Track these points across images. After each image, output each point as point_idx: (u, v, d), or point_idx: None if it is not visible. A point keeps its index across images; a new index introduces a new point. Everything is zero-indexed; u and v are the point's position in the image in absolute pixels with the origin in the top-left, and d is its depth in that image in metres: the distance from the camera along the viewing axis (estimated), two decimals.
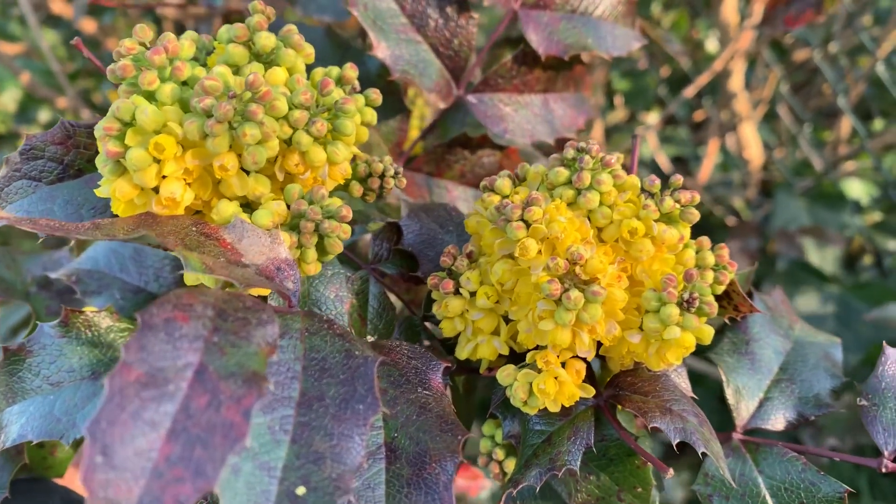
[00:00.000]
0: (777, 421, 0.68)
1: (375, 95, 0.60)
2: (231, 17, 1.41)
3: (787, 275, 1.80)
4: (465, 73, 0.81)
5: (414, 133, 1.07)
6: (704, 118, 2.39)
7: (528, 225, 0.55)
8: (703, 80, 1.92)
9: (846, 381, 0.69)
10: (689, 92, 1.97)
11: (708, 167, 2.07)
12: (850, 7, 1.72)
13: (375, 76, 0.81)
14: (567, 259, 0.53)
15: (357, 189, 0.64)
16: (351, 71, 0.59)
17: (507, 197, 0.61)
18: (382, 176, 0.64)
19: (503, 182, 0.61)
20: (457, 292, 0.61)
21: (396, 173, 0.64)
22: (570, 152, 0.59)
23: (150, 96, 0.52)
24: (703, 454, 0.53)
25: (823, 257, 1.85)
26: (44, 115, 2.62)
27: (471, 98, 0.82)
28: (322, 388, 0.44)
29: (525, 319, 0.57)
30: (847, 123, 2.06)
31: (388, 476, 0.51)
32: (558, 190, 0.59)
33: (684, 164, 2.41)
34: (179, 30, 1.81)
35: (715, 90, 2.09)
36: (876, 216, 2.18)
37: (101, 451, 0.34)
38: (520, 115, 0.84)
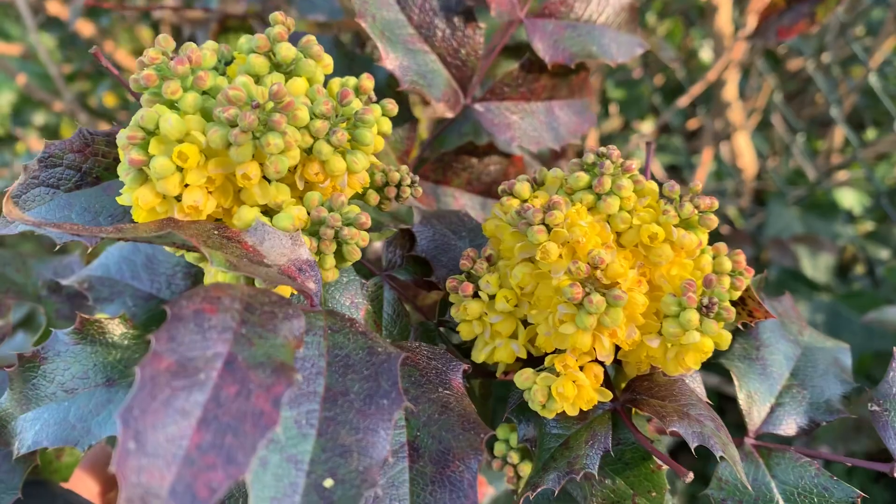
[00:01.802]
0: (789, 426, 0.69)
1: (392, 106, 0.60)
2: (227, 20, 1.40)
3: (777, 284, 1.80)
4: (473, 83, 0.82)
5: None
6: (698, 127, 2.40)
7: (549, 229, 0.55)
8: (697, 89, 1.93)
9: (857, 386, 0.70)
10: (684, 101, 1.98)
11: (702, 176, 2.08)
12: (843, 18, 1.74)
13: (384, 86, 0.81)
14: (588, 263, 0.53)
15: (374, 198, 0.64)
16: (367, 81, 0.59)
17: (526, 201, 0.61)
18: (399, 185, 0.64)
19: (522, 186, 0.61)
20: (475, 295, 0.61)
21: (413, 182, 0.64)
22: (590, 157, 0.60)
23: (173, 105, 0.52)
24: (721, 458, 0.54)
25: (816, 266, 1.86)
26: (39, 117, 2.60)
27: (478, 107, 0.83)
28: (346, 384, 0.45)
29: (545, 323, 0.58)
30: (840, 133, 2.08)
31: (412, 474, 0.52)
32: (578, 194, 0.60)
33: (678, 173, 2.42)
34: (176, 33, 1.80)
35: (709, 100, 2.10)
36: (868, 226, 2.20)
37: (134, 437, 0.34)
38: (526, 123, 0.84)
